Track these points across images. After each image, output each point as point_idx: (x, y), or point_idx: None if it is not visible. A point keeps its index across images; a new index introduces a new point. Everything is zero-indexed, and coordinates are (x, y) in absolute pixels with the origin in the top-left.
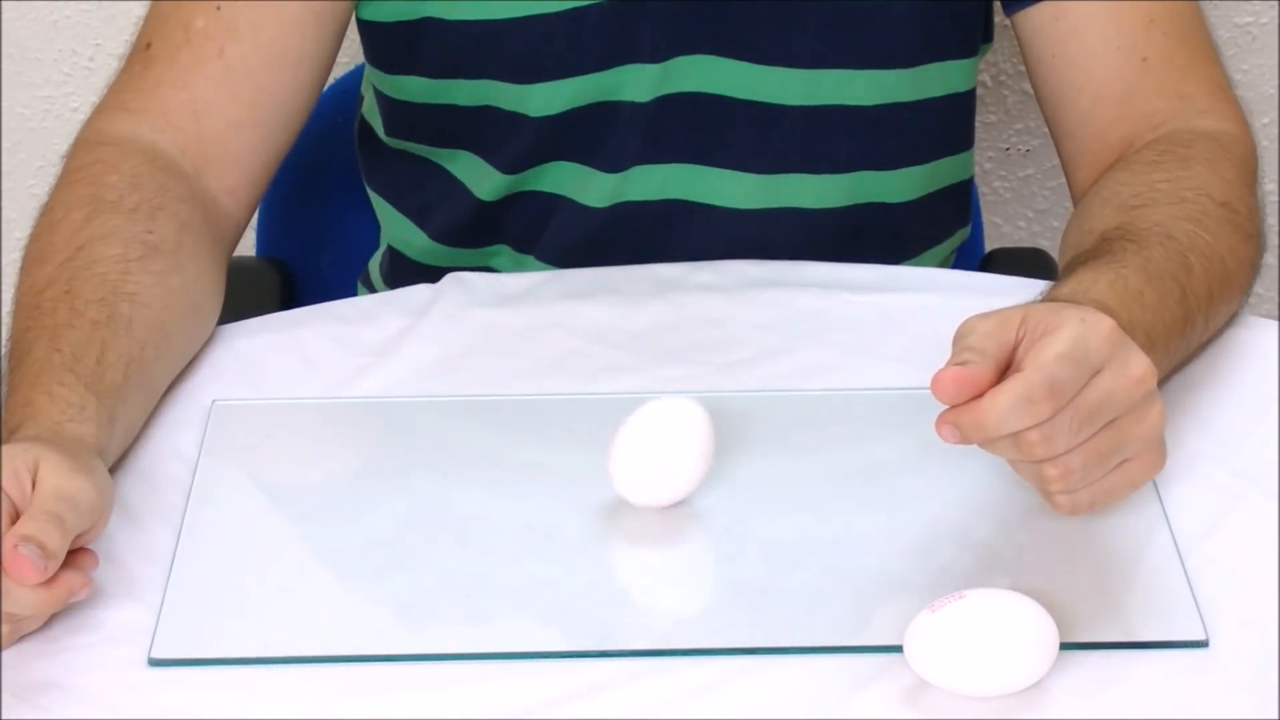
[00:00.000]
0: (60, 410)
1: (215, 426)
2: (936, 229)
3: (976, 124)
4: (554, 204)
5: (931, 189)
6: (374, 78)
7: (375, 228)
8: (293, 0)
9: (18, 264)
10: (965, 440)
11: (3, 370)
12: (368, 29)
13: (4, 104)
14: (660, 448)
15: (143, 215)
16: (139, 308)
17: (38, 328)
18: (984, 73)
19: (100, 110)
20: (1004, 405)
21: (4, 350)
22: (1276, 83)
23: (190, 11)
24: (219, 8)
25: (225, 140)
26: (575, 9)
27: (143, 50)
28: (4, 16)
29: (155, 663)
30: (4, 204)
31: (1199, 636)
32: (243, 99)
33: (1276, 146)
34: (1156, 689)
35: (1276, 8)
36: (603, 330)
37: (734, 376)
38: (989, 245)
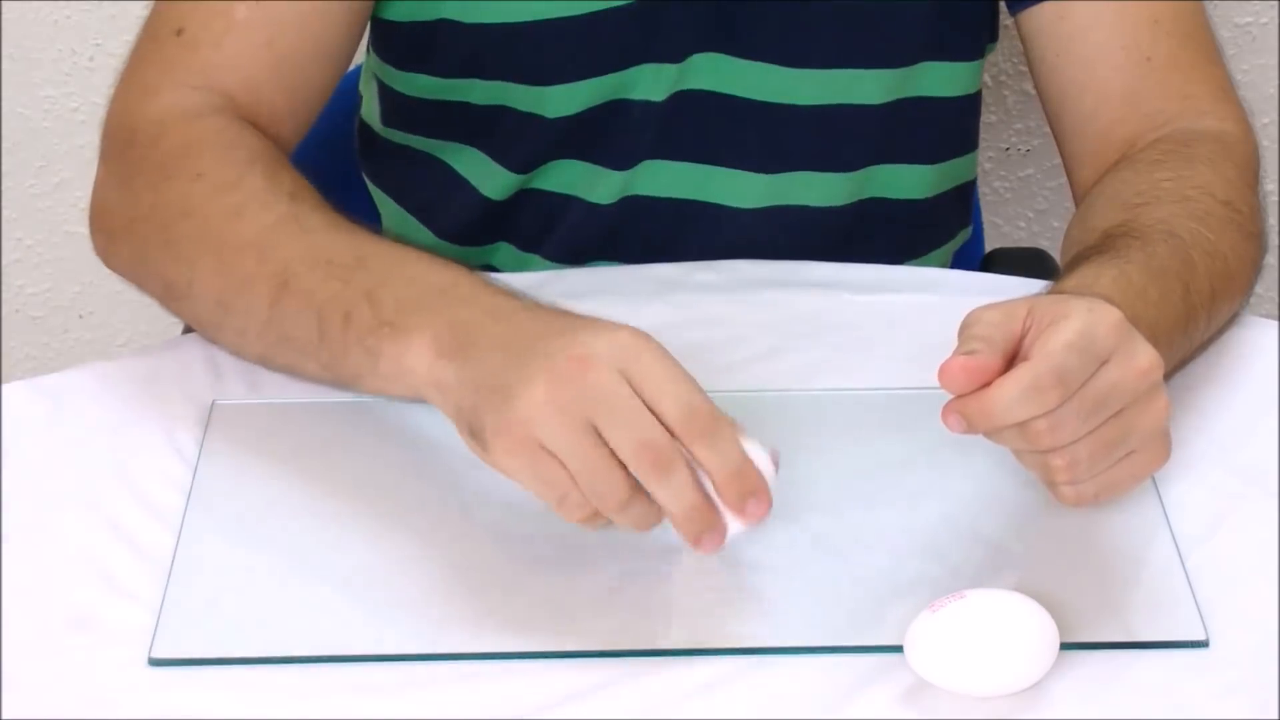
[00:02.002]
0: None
1: (215, 426)
2: (942, 230)
3: None
4: (562, 203)
5: (940, 190)
6: (380, 71)
7: (377, 228)
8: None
9: (17, 264)
10: (972, 430)
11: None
12: (382, 27)
13: (4, 104)
14: None
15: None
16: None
17: (348, 248)
18: (984, 72)
19: (151, 89)
20: (1011, 394)
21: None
22: (1276, 83)
23: (229, 2)
24: (261, 2)
25: (278, 128)
26: (594, 12)
27: (175, 35)
28: (4, 16)
29: (155, 663)
30: (4, 204)
31: (1199, 636)
32: (290, 86)
33: (1277, 146)
34: (1156, 689)
35: (1276, 8)
36: None
37: (734, 376)
38: (989, 245)
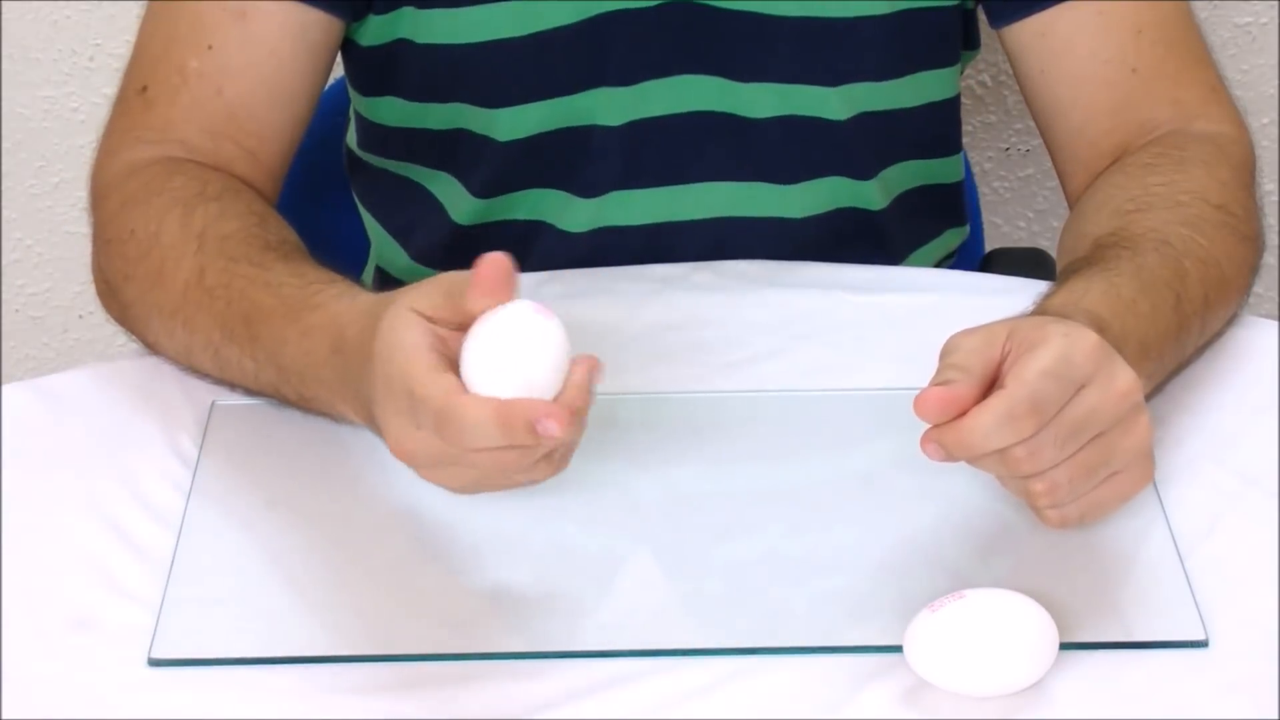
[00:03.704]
0: (337, 288)
1: (215, 427)
2: (920, 232)
3: (976, 124)
4: (534, 230)
5: (906, 192)
6: (354, 100)
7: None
8: (285, 38)
9: (17, 264)
10: (951, 458)
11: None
12: (351, 52)
13: (4, 104)
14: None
15: (231, 194)
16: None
17: (234, 299)
18: (984, 73)
19: (113, 150)
20: (987, 423)
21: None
22: (1276, 83)
23: (181, 54)
24: (210, 47)
25: (245, 163)
26: (541, 33)
27: (139, 93)
28: (4, 16)
29: (155, 663)
30: (4, 204)
31: (1199, 636)
32: (249, 132)
33: (1276, 146)
34: (1156, 689)
35: (1276, 8)
36: (603, 330)
37: (734, 376)
38: (989, 245)
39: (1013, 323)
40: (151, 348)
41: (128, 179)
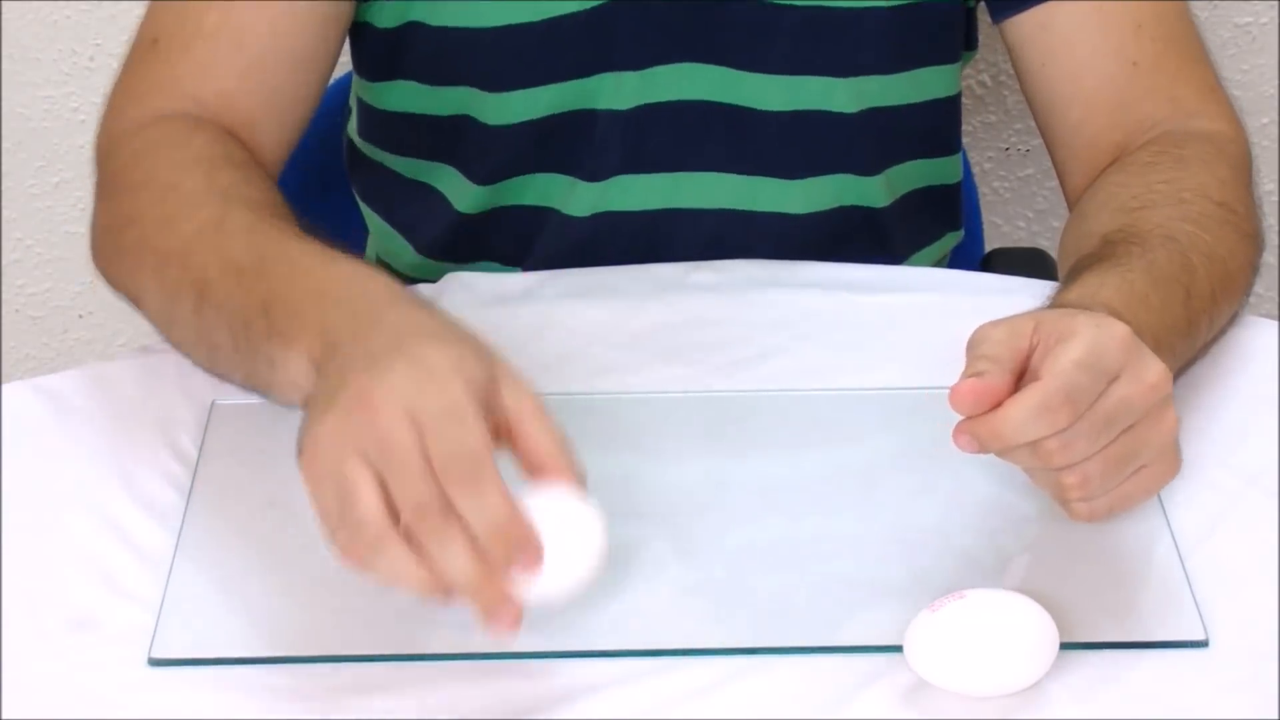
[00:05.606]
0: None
1: (215, 426)
2: (921, 233)
3: (976, 124)
4: (538, 216)
5: (909, 191)
6: (358, 88)
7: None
8: (303, 1)
9: (17, 264)
10: (984, 449)
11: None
12: (361, 33)
13: (4, 104)
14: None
15: (254, 167)
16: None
17: (256, 241)
18: (984, 73)
19: (122, 107)
20: (1022, 414)
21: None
22: (1276, 83)
23: (199, 8)
24: (230, 6)
25: (250, 132)
26: (553, 18)
27: (150, 45)
28: (4, 16)
29: (155, 663)
30: (4, 204)
31: (1199, 636)
32: (263, 92)
33: (1276, 146)
34: (1156, 689)
35: (1276, 8)
36: (603, 330)
37: (734, 376)
38: (989, 245)
39: (1038, 315)
40: (135, 300)
41: (144, 129)
